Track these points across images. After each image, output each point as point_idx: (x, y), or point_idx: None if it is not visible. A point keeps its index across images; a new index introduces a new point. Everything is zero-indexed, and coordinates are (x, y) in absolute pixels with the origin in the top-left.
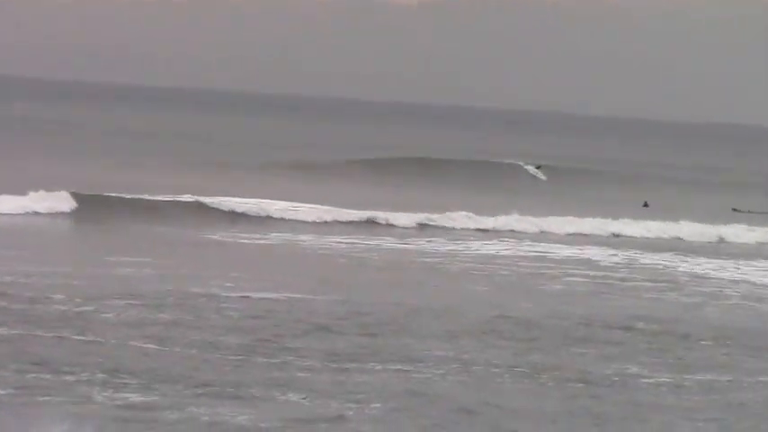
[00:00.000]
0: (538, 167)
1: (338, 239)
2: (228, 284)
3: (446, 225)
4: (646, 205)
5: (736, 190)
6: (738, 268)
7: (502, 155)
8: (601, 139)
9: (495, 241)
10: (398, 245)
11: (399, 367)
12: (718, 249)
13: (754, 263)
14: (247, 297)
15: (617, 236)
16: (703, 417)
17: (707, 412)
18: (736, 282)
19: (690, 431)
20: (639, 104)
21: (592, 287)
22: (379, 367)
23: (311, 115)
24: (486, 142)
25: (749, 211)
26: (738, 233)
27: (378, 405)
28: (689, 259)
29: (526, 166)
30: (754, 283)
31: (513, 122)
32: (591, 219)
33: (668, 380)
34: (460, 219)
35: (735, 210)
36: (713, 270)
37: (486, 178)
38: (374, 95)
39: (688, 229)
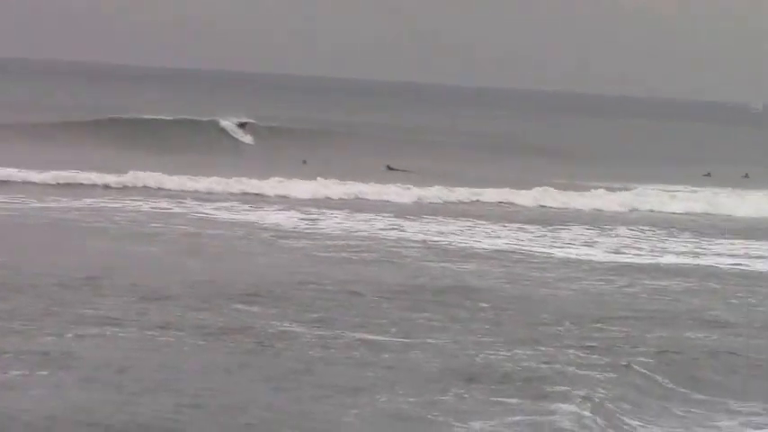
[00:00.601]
0: (241, 126)
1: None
2: None
3: (128, 185)
4: (304, 162)
5: (392, 147)
6: (409, 227)
7: (204, 113)
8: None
9: (165, 201)
10: (70, 204)
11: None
12: (378, 207)
13: (418, 221)
14: None
15: (295, 198)
16: (373, 374)
17: (375, 369)
18: (409, 241)
19: (362, 384)
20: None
21: (264, 249)
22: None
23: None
24: (190, 101)
25: (404, 170)
26: (398, 192)
27: (44, 372)
28: (360, 217)
29: (223, 123)
30: (425, 242)
31: (228, 83)
32: (273, 180)
33: (334, 335)
34: (141, 179)
35: (390, 168)
36: (386, 229)
37: (182, 137)
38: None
39: (343, 189)
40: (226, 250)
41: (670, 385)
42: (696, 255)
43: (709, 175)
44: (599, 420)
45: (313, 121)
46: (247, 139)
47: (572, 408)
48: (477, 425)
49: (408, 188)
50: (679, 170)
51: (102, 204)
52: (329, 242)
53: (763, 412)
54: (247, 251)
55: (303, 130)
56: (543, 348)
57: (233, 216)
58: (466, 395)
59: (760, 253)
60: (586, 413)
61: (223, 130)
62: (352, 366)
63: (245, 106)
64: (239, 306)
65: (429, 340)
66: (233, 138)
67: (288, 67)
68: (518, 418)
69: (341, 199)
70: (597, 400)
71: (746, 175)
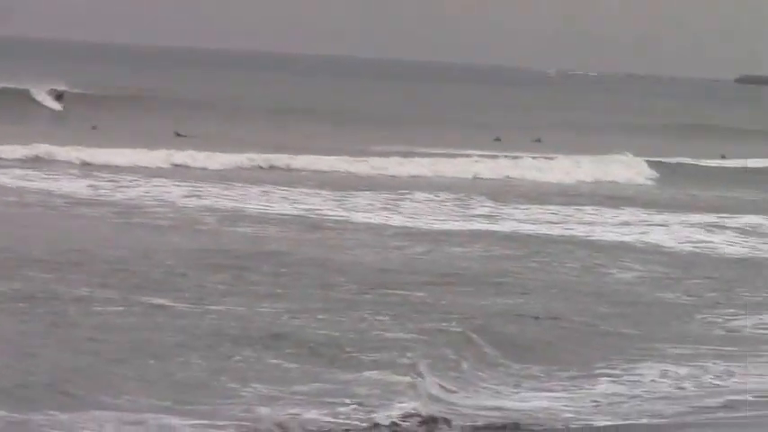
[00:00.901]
0: (58, 97)
1: None
2: None
3: None
4: (94, 128)
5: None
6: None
7: (13, 81)
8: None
9: None
10: None
11: None
12: (176, 173)
13: (216, 187)
14: None
15: (94, 164)
16: (165, 339)
17: (168, 334)
18: (206, 207)
19: (153, 349)
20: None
21: (59, 216)
22: None
23: None
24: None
25: (194, 136)
26: (197, 158)
27: None
28: (157, 183)
29: (33, 91)
30: (223, 208)
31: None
32: (72, 147)
33: (128, 301)
34: None
35: (178, 134)
36: (186, 197)
37: None
38: None
39: (139, 155)
40: (19, 218)
41: (474, 349)
42: (494, 220)
43: (498, 139)
44: (400, 385)
45: (123, 87)
46: (56, 105)
47: (372, 374)
48: (265, 390)
49: (209, 155)
50: (469, 134)
51: None
52: (126, 209)
53: (539, 375)
54: (42, 218)
55: (110, 97)
56: (343, 314)
57: (29, 184)
58: (259, 361)
59: (557, 218)
60: (389, 378)
61: (32, 98)
62: (145, 332)
63: (59, 74)
64: (33, 273)
65: (224, 306)
66: (42, 105)
67: (114, 35)
68: (316, 384)
69: (136, 165)
70: (399, 364)
71: (539, 140)
